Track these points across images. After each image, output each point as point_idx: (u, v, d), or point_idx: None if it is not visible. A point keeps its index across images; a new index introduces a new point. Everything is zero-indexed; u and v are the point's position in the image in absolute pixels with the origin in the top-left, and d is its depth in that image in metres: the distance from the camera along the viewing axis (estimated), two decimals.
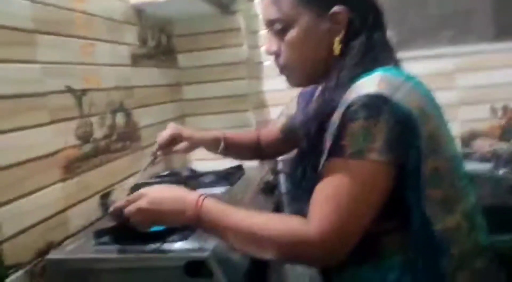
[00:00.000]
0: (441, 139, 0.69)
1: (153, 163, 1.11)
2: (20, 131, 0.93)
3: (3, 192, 0.87)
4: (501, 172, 1.84)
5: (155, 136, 1.56)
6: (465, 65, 1.93)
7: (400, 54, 2.01)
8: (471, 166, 1.90)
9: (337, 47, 0.76)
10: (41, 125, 1.00)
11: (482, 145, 1.95)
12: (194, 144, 1.13)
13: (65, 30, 1.13)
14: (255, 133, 1.24)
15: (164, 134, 1.09)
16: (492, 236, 1.36)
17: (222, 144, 1.13)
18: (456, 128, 1.94)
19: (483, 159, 1.94)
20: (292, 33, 0.78)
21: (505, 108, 1.92)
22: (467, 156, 1.96)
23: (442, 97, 2.00)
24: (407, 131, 0.65)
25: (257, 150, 1.22)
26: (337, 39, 0.76)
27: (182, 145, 1.11)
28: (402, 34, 2.01)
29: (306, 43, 0.78)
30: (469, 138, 1.96)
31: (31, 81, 0.99)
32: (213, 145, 1.14)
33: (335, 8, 0.75)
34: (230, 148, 1.16)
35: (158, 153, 1.08)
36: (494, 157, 1.88)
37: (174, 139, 1.10)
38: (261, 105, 2.08)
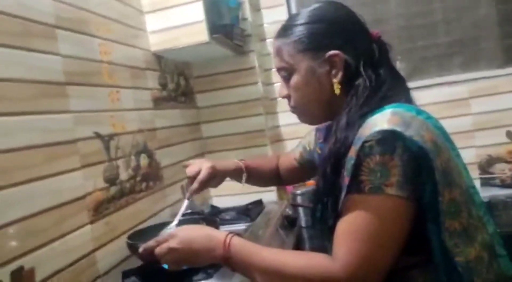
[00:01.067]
0: (455, 171, 0.71)
1: (189, 199, 1.06)
2: (54, 177, 1.00)
3: (38, 236, 0.92)
4: None
5: (177, 176, 1.63)
6: (478, 91, 1.94)
7: (413, 83, 2.04)
8: (491, 192, 1.89)
9: (337, 88, 0.81)
10: (72, 170, 1.06)
11: (502, 170, 1.93)
12: (223, 178, 1.12)
13: (93, 80, 1.21)
14: (274, 161, 1.26)
15: (203, 173, 1.03)
16: None
17: (244, 175, 1.14)
18: (473, 154, 1.94)
19: (504, 184, 1.92)
20: (294, 79, 0.85)
21: None
22: (487, 182, 1.94)
23: (457, 123, 2.03)
24: (422, 165, 0.67)
25: (275, 176, 1.25)
26: (335, 80, 0.81)
27: (216, 181, 1.09)
28: (413, 63, 2.06)
29: (308, 86, 0.84)
30: (487, 164, 1.95)
31: (63, 130, 1.06)
32: (236, 175, 1.14)
33: (330, 52, 0.80)
34: (251, 177, 1.17)
35: (198, 190, 1.03)
36: None
37: (211, 178, 1.05)
38: (278, 139, 2.13)
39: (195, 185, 1.03)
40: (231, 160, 1.16)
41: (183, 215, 1.44)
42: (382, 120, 0.70)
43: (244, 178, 1.14)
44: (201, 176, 1.03)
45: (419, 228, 0.70)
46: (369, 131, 0.70)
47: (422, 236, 0.70)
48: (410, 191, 0.67)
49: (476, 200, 0.74)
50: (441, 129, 0.75)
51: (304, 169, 1.17)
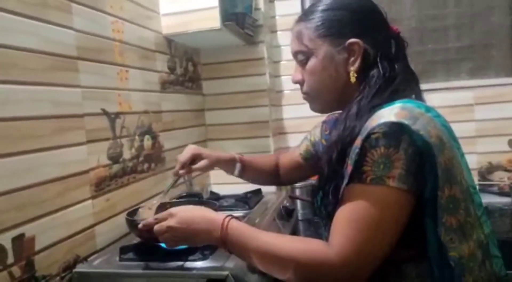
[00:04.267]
0: (458, 169, 0.72)
1: (175, 182, 1.14)
2: (60, 149, 1.01)
3: (40, 205, 0.94)
4: None
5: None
6: (483, 98, 1.95)
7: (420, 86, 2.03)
8: (489, 199, 1.90)
9: (352, 76, 0.82)
10: (78, 144, 1.08)
11: (501, 178, 1.94)
12: (212, 163, 1.14)
13: (104, 58, 1.22)
14: (274, 159, 1.27)
15: (185, 154, 1.11)
16: None
17: (238, 166, 1.16)
18: (474, 160, 1.95)
19: (502, 192, 1.93)
20: (312, 63, 0.85)
21: None
22: (486, 189, 1.95)
23: (460, 129, 2.02)
24: (425, 160, 0.68)
25: (274, 175, 1.25)
26: (352, 68, 0.82)
27: (202, 163, 1.12)
28: (422, 66, 2.06)
29: (325, 72, 0.84)
30: (487, 171, 1.96)
31: (72, 104, 1.07)
32: (229, 165, 1.17)
33: (350, 40, 0.81)
34: (247, 171, 1.18)
35: (180, 172, 1.10)
36: None
37: (194, 159, 1.12)
38: (281, 131, 2.13)
39: (177, 165, 1.10)
40: (228, 152, 1.19)
41: (183, 196, 1.46)
42: (390, 113, 0.71)
43: (237, 169, 1.16)
44: (182, 157, 1.10)
45: (417, 221, 0.71)
46: (376, 123, 0.70)
47: (419, 230, 0.71)
48: (412, 184, 0.68)
49: (475, 199, 0.75)
50: (448, 128, 0.76)
51: (307, 164, 1.17)
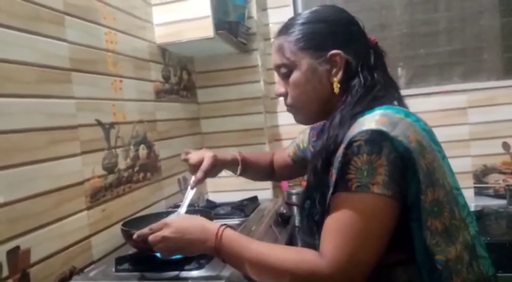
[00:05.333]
0: (440, 172, 0.73)
1: (194, 188, 1.07)
2: (54, 161, 1.01)
3: (35, 218, 0.94)
4: None
5: (175, 168, 1.65)
6: (476, 101, 1.96)
7: (412, 90, 2.05)
8: (485, 202, 1.91)
9: (336, 87, 0.83)
10: (73, 155, 1.08)
11: (496, 180, 1.95)
12: (222, 168, 1.14)
13: (98, 68, 1.23)
14: (269, 156, 1.29)
15: (206, 162, 1.05)
16: (508, 274, 1.36)
17: (239, 167, 1.16)
18: (468, 163, 1.96)
19: (497, 194, 1.94)
20: (294, 76, 0.86)
21: None
22: (481, 191, 1.96)
23: (454, 132, 2.05)
24: (407, 165, 0.69)
25: (269, 172, 1.28)
26: (336, 79, 0.83)
27: (217, 170, 1.11)
28: (414, 70, 2.08)
29: (308, 84, 0.85)
30: (482, 173, 1.97)
31: (66, 115, 1.07)
32: (233, 166, 1.17)
33: (332, 51, 0.82)
34: (247, 170, 1.20)
35: (202, 179, 1.05)
36: (507, 193, 1.88)
37: (213, 167, 1.07)
38: (276, 138, 2.14)
39: (200, 173, 1.04)
40: (229, 152, 1.18)
41: (178, 206, 1.45)
42: (370, 120, 0.73)
43: (239, 170, 1.16)
44: (205, 165, 1.05)
45: (403, 226, 0.71)
46: (357, 131, 0.71)
47: (406, 235, 0.72)
48: (395, 190, 0.69)
49: (460, 201, 0.76)
50: (428, 132, 0.77)
51: (297, 166, 1.19)
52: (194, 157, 1.07)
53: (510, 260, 1.48)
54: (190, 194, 1.07)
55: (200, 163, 1.05)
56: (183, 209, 1.05)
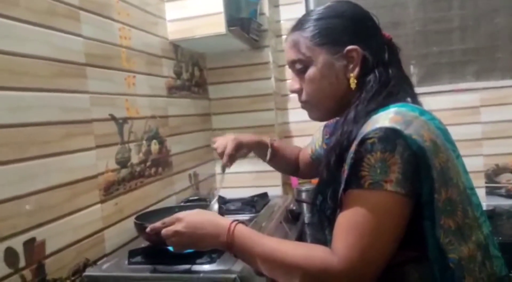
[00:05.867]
0: (454, 171, 0.72)
1: (224, 172, 1.17)
2: (69, 155, 1.02)
3: (50, 210, 0.95)
4: None
5: (186, 164, 1.66)
6: (489, 100, 1.94)
7: (425, 88, 2.03)
8: (497, 201, 1.89)
9: (353, 82, 0.83)
10: (87, 149, 1.09)
11: (508, 180, 1.93)
12: (250, 150, 1.19)
13: (112, 64, 1.24)
14: (297, 151, 1.30)
15: (229, 145, 1.13)
16: None
17: (269, 152, 1.19)
18: (480, 163, 1.94)
19: (509, 194, 1.92)
20: (311, 72, 0.85)
21: None
22: (493, 191, 1.95)
23: (466, 131, 2.03)
24: (421, 163, 0.69)
25: (295, 167, 1.28)
26: (352, 75, 0.83)
27: (244, 153, 1.17)
28: (427, 68, 2.07)
29: (324, 80, 0.85)
30: (494, 173, 1.95)
31: (80, 110, 1.09)
32: (263, 150, 1.20)
33: (349, 47, 0.82)
34: (276, 157, 1.22)
35: (228, 164, 1.13)
36: None
37: (237, 149, 1.15)
38: (287, 135, 2.14)
39: (225, 158, 1.12)
40: (258, 136, 1.22)
41: (190, 201, 1.47)
42: (384, 118, 0.72)
43: (269, 154, 1.19)
44: (228, 149, 1.12)
45: (416, 224, 0.71)
46: (370, 128, 0.71)
47: (419, 233, 0.72)
48: (409, 188, 0.69)
49: (473, 200, 0.75)
50: (443, 131, 0.76)
51: (315, 164, 1.18)
52: (219, 143, 1.14)
53: None
54: (222, 179, 1.16)
55: (225, 148, 1.12)
56: (215, 200, 1.16)
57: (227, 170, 1.15)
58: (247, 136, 1.19)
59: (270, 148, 1.18)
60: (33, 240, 0.89)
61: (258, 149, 1.19)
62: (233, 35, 1.63)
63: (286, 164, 1.28)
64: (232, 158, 1.12)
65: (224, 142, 1.14)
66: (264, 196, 1.63)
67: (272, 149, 1.19)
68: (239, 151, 1.14)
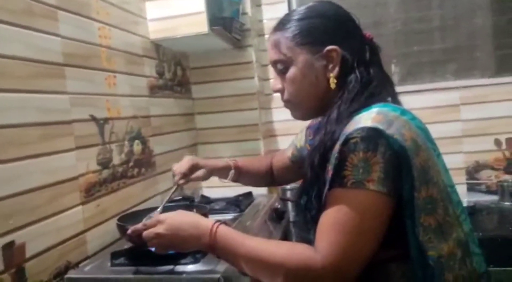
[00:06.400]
0: (434, 170, 0.73)
1: (176, 191, 1.15)
2: (48, 156, 1.01)
3: (30, 213, 0.94)
4: (507, 203, 1.86)
5: (169, 164, 1.65)
6: (469, 98, 1.98)
7: (406, 87, 2.06)
8: (477, 197, 1.93)
9: (332, 82, 0.83)
10: (67, 150, 1.08)
11: (488, 176, 1.98)
12: (209, 172, 1.17)
13: (91, 64, 1.22)
14: (267, 160, 1.29)
15: (183, 164, 1.12)
16: (499, 268, 1.38)
17: (232, 172, 1.18)
18: (461, 160, 1.98)
19: (489, 190, 1.97)
20: (291, 72, 0.86)
21: (509, 141, 1.96)
22: (473, 187, 1.99)
23: (446, 129, 2.07)
24: (402, 163, 0.70)
25: (268, 176, 1.27)
26: (332, 75, 0.83)
27: (200, 173, 1.15)
28: (408, 67, 2.10)
29: (305, 80, 0.85)
30: (474, 170, 1.99)
31: (59, 111, 1.07)
32: (224, 172, 1.19)
33: (328, 47, 0.83)
34: (241, 175, 1.20)
35: (180, 182, 1.11)
36: (499, 188, 1.91)
37: (192, 170, 1.13)
38: (271, 134, 2.15)
39: (177, 176, 1.11)
40: (222, 159, 1.21)
41: (174, 201, 1.46)
42: (367, 118, 0.73)
43: (231, 175, 1.18)
44: (182, 168, 1.11)
45: (398, 223, 0.72)
46: (354, 128, 0.72)
47: (401, 231, 0.72)
48: (391, 187, 0.70)
49: (453, 198, 0.76)
50: (423, 130, 0.77)
51: (295, 166, 1.18)
52: (177, 164, 1.14)
53: (501, 254, 1.50)
54: (169, 196, 1.13)
55: (181, 167, 1.11)
56: (159, 209, 1.07)
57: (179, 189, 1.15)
58: (209, 160, 1.19)
59: (233, 169, 1.18)
60: (12, 243, 0.87)
61: (220, 173, 1.19)
62: (216, 34, 1.63)
63: (256, 179, 1.27)
64: (184, 177, 1.11)
65: (182, 162, 1.14)
66: (249, 195, 1.63)
67: (236, 169, 1.18)
68: (194, 171, 1.13)
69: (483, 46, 2.06)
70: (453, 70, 2.07)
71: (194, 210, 1.13)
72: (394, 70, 2.10)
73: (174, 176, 1.13)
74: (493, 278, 0.78)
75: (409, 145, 0.70)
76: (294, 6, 2.13)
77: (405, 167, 0.70)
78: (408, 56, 2.10)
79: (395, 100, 0.83)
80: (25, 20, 0.97)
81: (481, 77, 2.03)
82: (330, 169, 0.74)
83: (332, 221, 0.71)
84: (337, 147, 0.73)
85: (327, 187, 0.74)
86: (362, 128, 0.71)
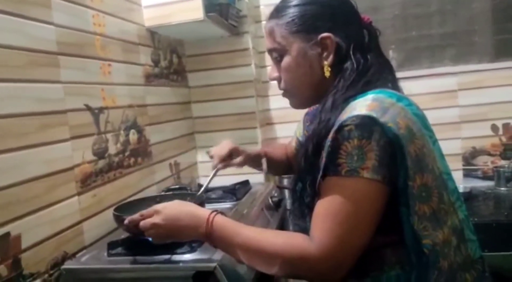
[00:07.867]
0: (430, 157, 0.73)
1: (214, 175, 1.17)
2: (43, 147, 1.00)
3: (26, 203, 0.93)
4: (503, 189, 1.87)
5: (166, 153, 1.65)
6: (467, 84, 1.97)
7: (404, 73, 2.04)
8: (474, 183, 1.94)
9: (327, 71, 0.82)
10: (62, 141, 1.07)
11: (484, 162, 1.98)
12: (246, 160, 1.19)
13: (86, 52, 1.21)
14: (284, 149, 1.30)
15: (223, 148, 1.15)
16: (494, 253, 1.40)
17: (264, 160, 1.20)
18: (458, 145, 1.98)
19: (486, 176, 1.97)
20: (286, 60, 0.85)
21: (506, 126, 1.96)
22: (470, 173, 1.99)
23: (444, 115, 2.06)
24: (396, 150, 0.70)
25: (288, 164, 1.28)
26: (326, 63, 0.82)
27: (239, 159, 1.17)
28: (406, 53, 2.08)
29: (300, 68, 0.84)
30: (471, 155, 1.99)
31: (54, 100, 1.06)
32: (257, 161, 1.21)
33: (322, 35, 0.81)
34: (269, 163, 1.23)
35: (219, 166, 1.13)
36: (496, 174, 1.91)
37: (231, 154, 1.16)
38: (268, 122, 2.14)
39: (216, 159, 1.14)
40: (253, 148, 1.24)
41: (172, 190, 1.46)
42: (362, 105, 0.72)
43: (264, 164, 1.20)
44: (222, 152, 1.14)
45: (393, 210, 0.72)
46: (348, 115, 0.71)
47: (396, 219, 0.73)
48: (385, 175, 0.70)
49: (449, 185, 0.76)
50: (420, 116, 0.76)
51: None
52: (215, 148, 1.16)
53: (497, 240, 1.51)
54: (210, 178, 1.16)
55: (220, 150, 1.14)
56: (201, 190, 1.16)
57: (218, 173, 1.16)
58: (245, 148, 1.21)
59: (265, 158, 1.19)
60: (7, 234, 0.87)
61: (253, 161, 1.21)
62: (212, 21, 1.61)
63: (280, 167, 1.29)
64: (223, 161, 1.13)
65: (221, 145, 1.16)
66: (246, 183, 1.63)
67: (267, 157, 1.20)
68: (233, 157, 1.15)
69: (481, 31, 2.04)
70: (452, 56, 2.05)
71: (188, 198, 1.13)
72: (392, 55, 2.08)
73: (211, 158, 1.15)
74: (488, 263, 0.79)
75: (403, 133, 0.70)
76: None
77: (399, 155, 0.70)
78: (406, 41, 2.08)
79: (395, 86, 0.82)
80: (17, 8, 0.95)
81: (479, 62, 2.01)
82: (324, 156, 0.74)
83: (327, 209, 0.72)
84: (331, 134, 0.73)
85: (320, 174, 0.74)
86: (357, 116, 0.70)
